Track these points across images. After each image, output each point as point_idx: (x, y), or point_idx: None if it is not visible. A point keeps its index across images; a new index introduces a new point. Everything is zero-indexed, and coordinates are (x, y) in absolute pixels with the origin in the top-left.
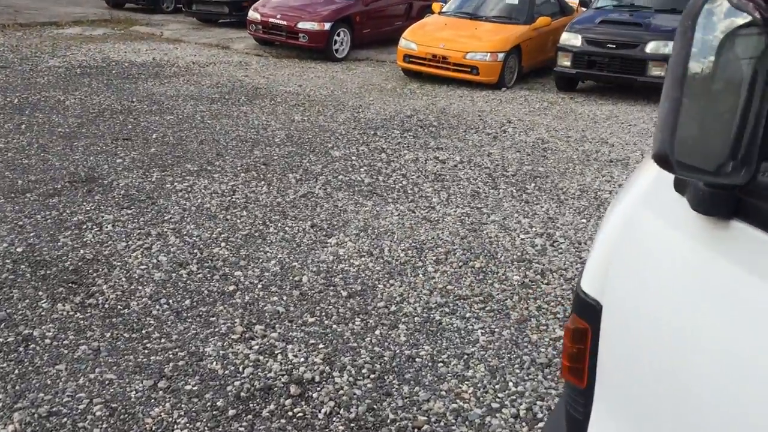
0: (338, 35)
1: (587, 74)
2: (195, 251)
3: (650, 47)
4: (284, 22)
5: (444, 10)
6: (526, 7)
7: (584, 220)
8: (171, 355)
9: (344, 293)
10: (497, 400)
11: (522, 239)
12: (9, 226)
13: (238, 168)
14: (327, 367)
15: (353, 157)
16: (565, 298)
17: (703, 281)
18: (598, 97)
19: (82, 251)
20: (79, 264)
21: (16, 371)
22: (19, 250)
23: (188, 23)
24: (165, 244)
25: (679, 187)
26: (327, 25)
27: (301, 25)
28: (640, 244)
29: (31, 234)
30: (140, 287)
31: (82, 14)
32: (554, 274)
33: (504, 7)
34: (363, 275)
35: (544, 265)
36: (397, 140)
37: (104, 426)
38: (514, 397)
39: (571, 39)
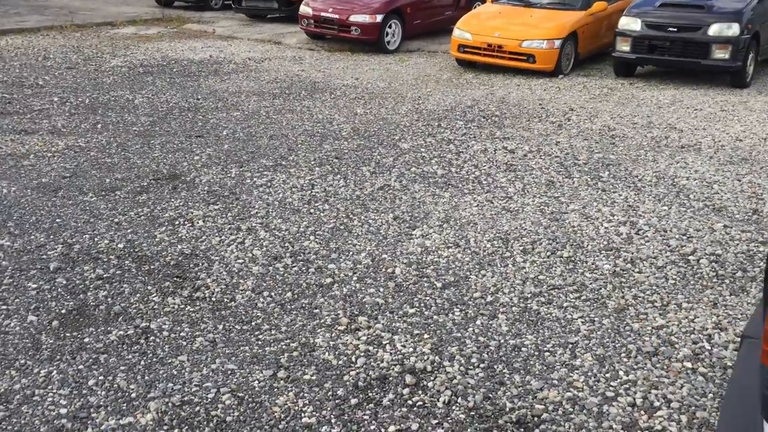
0: (389, 27)
1: (648, 59)
2: (286, 245)
3: (713, 30)
4: (336, 16)
5: None
6: None
7: (665, 208)
8: (284, 346)
9: (438, 284)
10: (611, 388)
11: (606, 228)
12: (106, 223)
13: (312, 162)
14: (436, 357)
15: (422, 149)
16: (660, 287)
17: None
18: (659, 82)
19: (179, 246)
20: (180, 259)
21: (142, 362)
22: (121, 246)
23: (238, 20)
24: (256, 239)
25: None
26: (379, 17)
27: (353, 18)
28: None
29: (128, 230)
30: (242, 281)
31: (134, 14)
32: (644, 262)
33: None
34: (453, 266)
35: (632, 253)
36: (462, 131)
37: (236, 414)
38: (627, 386)
39: (630, 23)
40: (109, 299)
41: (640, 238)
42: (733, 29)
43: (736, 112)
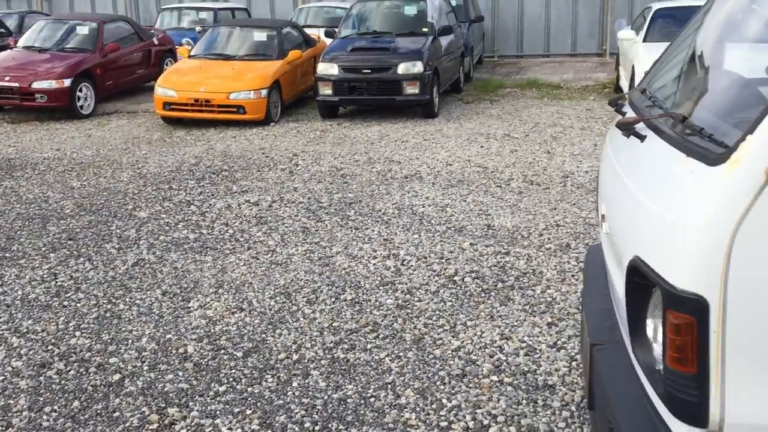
0: (80, 90)
1: (350, 100)
2: (50, 348)
3: (401, 69)
4: (16, 84)
5: (193, 53)
6: (275, 43)
7: (416, 236)
8: None
9: (239, 354)
10: (442, 418)
11: (374, 264)
12: None
13: (43, 249)
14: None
15: (163, 215)
16: (442, 311)
17: None
18: (363, 120)
19: None
20: None
21: None
22: None
23: None
24: (11, 348)
25: None
26: (67, 82)
27: (36, 85)
28: None
29: None
30: (12, 401)
31: None
32: (420, 290)
33: (254, 45)
34: (246, 331)
35: (407, 284)
36: (197, 190)
37: None
38: (454, 412)
39: (328, 68)
40: None
41: (407, 269)
42: (418, 67)
43: (436, 140)
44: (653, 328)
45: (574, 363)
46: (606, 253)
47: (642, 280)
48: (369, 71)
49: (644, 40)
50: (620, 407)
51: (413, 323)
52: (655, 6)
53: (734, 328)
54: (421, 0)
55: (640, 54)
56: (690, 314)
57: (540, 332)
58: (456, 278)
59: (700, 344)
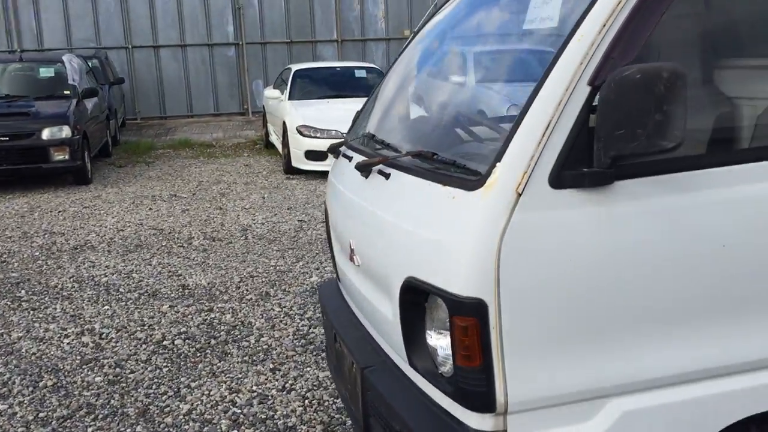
0: None
1: None
2: None
3: (46, 134)
4: None
5: None
6: None
7: (108, 307)
8: None
9: None
10: None
11: (69, 343)
12: None
13: None
14: None
15: None
16: (161, 377)
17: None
18: (3, 193)
19: None
20: None
21: None
22: None
23: None
24: None
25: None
26: None
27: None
28: (542, 237)
29: None
30: None
31: None
32: (129, 362)
33: None
34: None
35: (112, 358)
36: None
37: None
38: None
39: None
40: None
41: (108, 342)
42: (65, 131)
43: (98, 207)
44: (434, 337)
45: (306, 401)
46: (356, 284)
47: (415, 298)
48: (6, 138)
49: (290, 98)
50: (409, 415)
51: (133, 396)
52: (294, 67)
53: (507, 322)
54: (58, 62)
55: (288, 110)
56: (473, 316)
57: (266, 379)
58: (165, 342)
59: (483, 340)
